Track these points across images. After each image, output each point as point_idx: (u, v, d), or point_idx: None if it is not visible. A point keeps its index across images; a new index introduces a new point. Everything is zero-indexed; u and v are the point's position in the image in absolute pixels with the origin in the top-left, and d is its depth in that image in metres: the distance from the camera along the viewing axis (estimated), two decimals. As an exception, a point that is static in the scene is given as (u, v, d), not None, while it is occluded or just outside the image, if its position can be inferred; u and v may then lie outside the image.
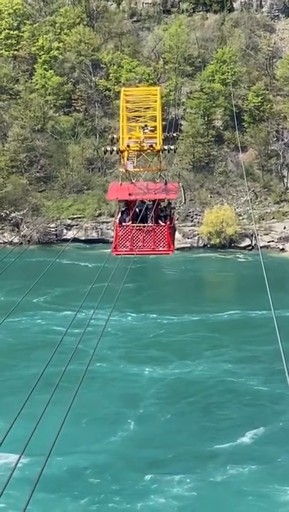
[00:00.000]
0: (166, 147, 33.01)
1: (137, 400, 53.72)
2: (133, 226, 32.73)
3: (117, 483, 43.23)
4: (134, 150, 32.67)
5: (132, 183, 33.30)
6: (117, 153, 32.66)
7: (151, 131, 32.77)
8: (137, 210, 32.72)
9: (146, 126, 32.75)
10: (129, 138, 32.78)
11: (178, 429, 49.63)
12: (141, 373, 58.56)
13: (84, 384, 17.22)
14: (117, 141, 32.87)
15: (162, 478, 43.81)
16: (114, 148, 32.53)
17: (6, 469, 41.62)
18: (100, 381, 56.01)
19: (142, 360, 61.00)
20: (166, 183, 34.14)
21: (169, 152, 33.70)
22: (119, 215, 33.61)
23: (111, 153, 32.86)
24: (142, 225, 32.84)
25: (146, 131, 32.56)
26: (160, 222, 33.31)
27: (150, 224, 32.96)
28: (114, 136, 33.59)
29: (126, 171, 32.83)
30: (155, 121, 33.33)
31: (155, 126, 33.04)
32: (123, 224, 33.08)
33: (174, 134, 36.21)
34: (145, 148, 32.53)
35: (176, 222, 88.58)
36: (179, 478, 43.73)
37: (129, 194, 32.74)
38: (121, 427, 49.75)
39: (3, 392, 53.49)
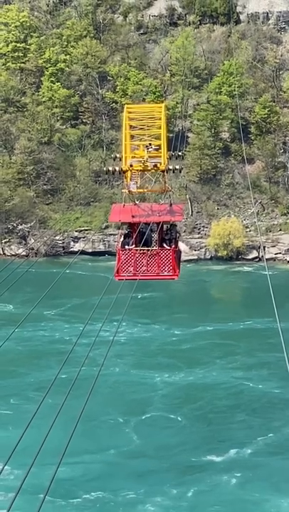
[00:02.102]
0: (170, 167, 31.37)
1: (143, 407, 53.74)
2: (136, 250, 31.10)
3: (112, 492, 43.16)
4: (137, 170, 30.96)
5: (136, 204, 31.93)
6: (120, 173, 31.08)
7: (156, 149, 31.23)
8: (140, 232, 31.14)
9: (150, 144, 31.21)
10: (133, 157, 31.15)
11: (181, 437, 49.66)
12: (151, 381, 58.72)
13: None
14: (120, 160, 31.42)
15: (158, 488, 43.71)
16: (117, 168, 31.00)
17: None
18: (108, 388, 56.01)
19: (151, 368, 61.21)
20: (171, 205, 32.53)
21: (174, 172, 32.11)
22: (122, 239, 32.03)
23: (113, 173, 31.27)
24: (146, 248, 31.11)
25: (150, 150, 31.01)
26: (165, 245, 31.64)
27: (154, 247, 31.28)
28: (117, 155, 32.22)
29: (129, 191, 31.21)
30: (160, 139, 31.68)
31: (159, 145, 31.49)
32: (126, 248, 31.46)
33: (180, 153, 34.72)
34: (149, 168, 30.84)
35: (182, 234, 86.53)
36: (177, 487, 43.69)
37: (133, 216, 31.18)
38: (122, 435, 49.76)
39: (10, 400, 53.62)
